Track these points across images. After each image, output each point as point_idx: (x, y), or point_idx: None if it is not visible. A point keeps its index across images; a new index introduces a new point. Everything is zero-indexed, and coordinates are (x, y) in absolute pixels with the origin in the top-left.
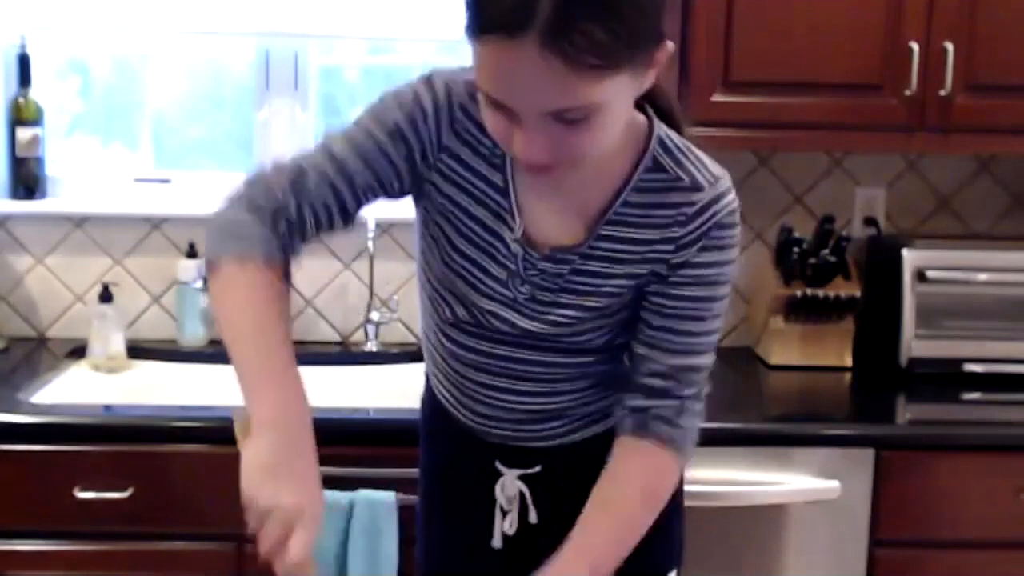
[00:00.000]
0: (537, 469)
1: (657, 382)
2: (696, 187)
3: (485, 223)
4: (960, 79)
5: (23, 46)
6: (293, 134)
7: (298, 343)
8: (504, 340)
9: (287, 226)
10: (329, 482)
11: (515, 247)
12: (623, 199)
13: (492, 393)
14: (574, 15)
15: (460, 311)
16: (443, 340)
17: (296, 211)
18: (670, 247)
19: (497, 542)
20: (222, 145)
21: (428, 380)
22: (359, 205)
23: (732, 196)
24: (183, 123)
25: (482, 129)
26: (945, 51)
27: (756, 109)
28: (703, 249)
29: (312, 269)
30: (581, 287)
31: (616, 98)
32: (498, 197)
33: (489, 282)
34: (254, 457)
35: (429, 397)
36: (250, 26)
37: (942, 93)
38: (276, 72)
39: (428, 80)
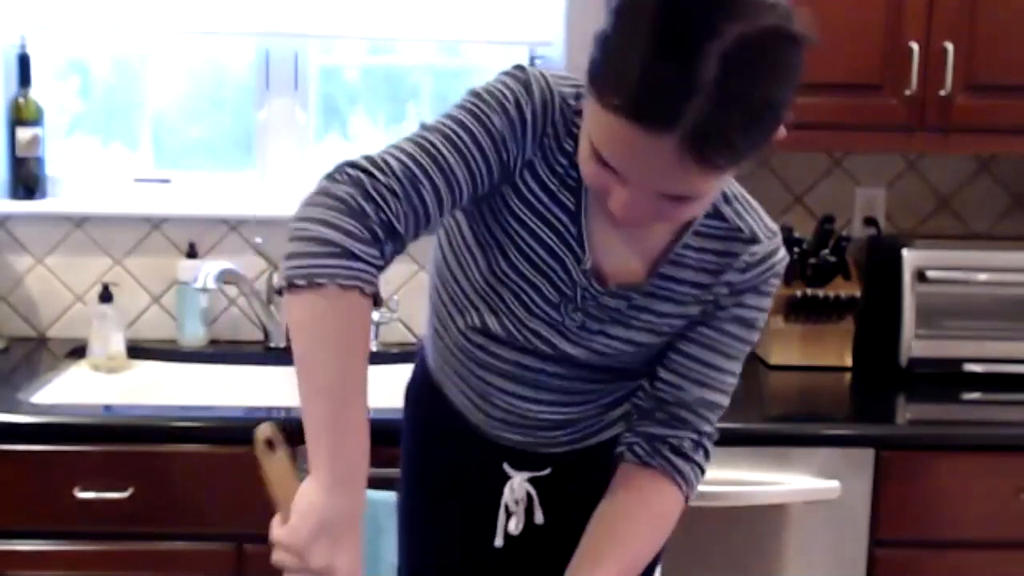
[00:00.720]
0: (547, 472)
1: (681, 412)
2: (755, 239)
3: (550, 246)
4: (960, 79)
5: (23, 46)
6: (293, 134)
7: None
8: (534, 353)
9: (391, 238)
10: None
11: (579, 277)
12: (684, 241)
13: (511, 399)
14: (722, 125)
15: (492, 321)
16: (466, 343)
17: (403, 222)
18: (725, 290)
19: (499, 541)
20: (222, 145)
21: (428, 373)
22: (453, 209)
23: (784, 252)
24: (183, 123)
25: (564, 152)
26: (945, 51)
27: None
28: (755, 293)
29: None
30: (634, 322)
31: (717, 187)
32: (567, 221)
33: (540, 302)
34: (316, 509)
35: (427, 389)
36: (250, 26)
37: (942, 93)
38: (276, 72)
39: (527, 85)
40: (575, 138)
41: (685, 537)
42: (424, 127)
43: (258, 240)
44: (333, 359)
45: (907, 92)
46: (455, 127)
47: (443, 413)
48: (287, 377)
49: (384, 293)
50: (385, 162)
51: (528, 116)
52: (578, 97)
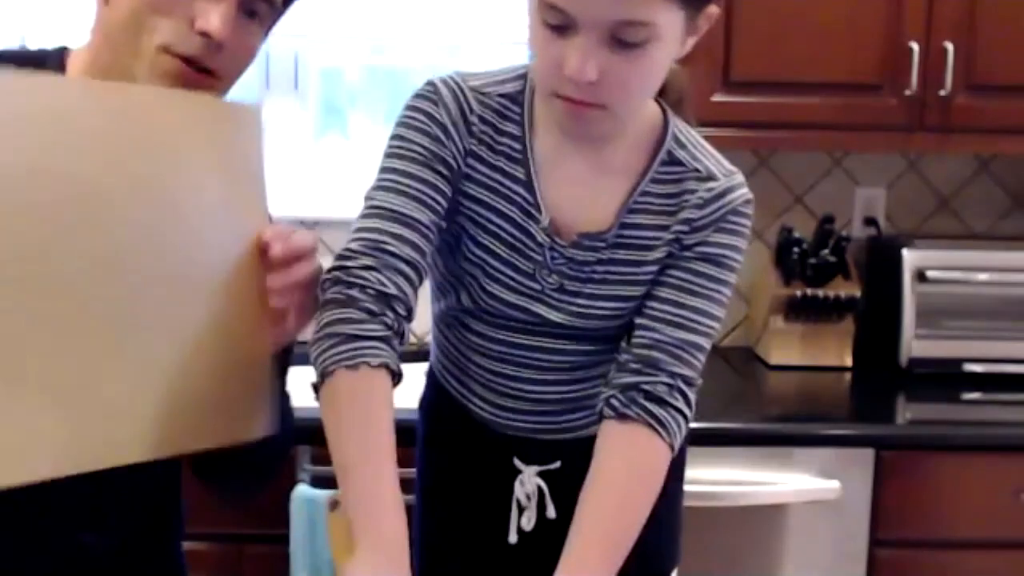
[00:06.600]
0: (556, 465)
1: (653, 354)
2: (712, 177)
3: (513, 219)
4: (960, 79)
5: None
6: (293, 134)
7: (299, 343)
8: (527, 330)
9: (392, 309)
10: (330, 481)
11: (542, 237)
12: (642, 189)
13: (514, 384)
14: None
15: (465, 299)
16: (462, 331)
17: (395, 287)
18: (686, 228)
19: (513, 537)
20: None
21: (435, 380)
22: (432, 246)
23: (746, 189)
24: None
25: (496, 129)
26: (945, 51)
27: (756, 109)
28: (717, 231)
29: None
30: (608, 277)
31: (667, 35)
32: (521, 190)
33: (517, 276)
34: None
35: (436, 397)
36: None
37: (942, 93)
38: (276, 72)
39: (433, 95)
40: (509, 119)
41: (685, 536)
42: (367, 195)
43: None
44: (350, 436)
45: (907, 92)
46: (390, 175)
47: (451, 413)
48: (288, 377)
49: None
50: (349, 249)
51: (446, 119)
52: (497, 83)
